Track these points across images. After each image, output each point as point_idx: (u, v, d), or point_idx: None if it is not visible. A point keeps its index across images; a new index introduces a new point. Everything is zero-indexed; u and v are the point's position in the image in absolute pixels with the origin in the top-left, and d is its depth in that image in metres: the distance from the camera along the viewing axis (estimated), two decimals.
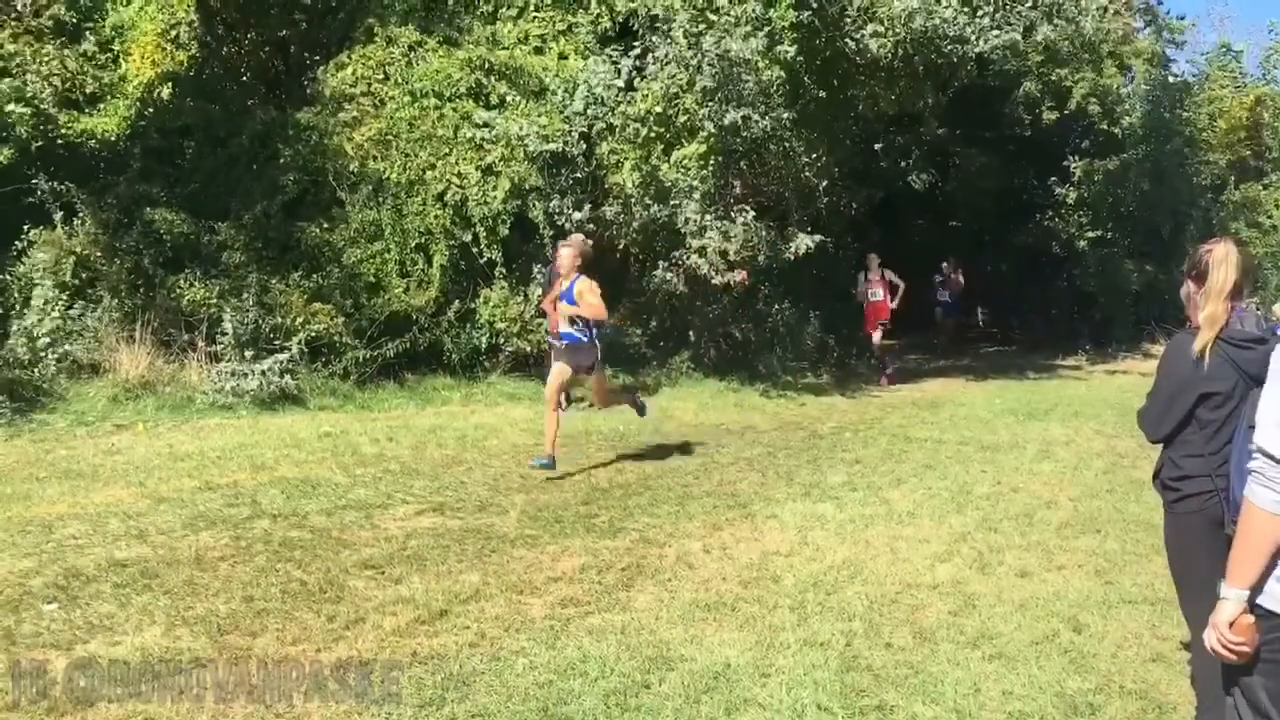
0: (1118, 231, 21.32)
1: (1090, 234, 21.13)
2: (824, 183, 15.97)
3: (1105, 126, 19.85)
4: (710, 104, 13.71)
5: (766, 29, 13.47)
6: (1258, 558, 2.61)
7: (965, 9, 13.75)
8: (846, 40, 13.64)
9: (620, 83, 14.35)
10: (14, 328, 11.92)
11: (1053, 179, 21.30)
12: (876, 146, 16.54)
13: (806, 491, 8.51)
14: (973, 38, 13.79)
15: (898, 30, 13.44)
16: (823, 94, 14.42)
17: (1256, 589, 2.65)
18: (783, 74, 13.61)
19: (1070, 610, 5.66)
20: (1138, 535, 6.98)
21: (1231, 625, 2.65)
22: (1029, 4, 14.20)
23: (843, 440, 11.01)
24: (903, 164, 18.57)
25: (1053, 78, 17.26)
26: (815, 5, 13.42)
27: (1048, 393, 14.69)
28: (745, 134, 14.02)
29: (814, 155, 15.31)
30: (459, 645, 5.14)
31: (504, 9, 15.39)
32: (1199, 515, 3.62)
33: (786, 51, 13.41)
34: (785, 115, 14.07)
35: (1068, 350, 19.84)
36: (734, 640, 5.21)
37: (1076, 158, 20.91)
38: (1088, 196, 21.05)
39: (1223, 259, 3.72)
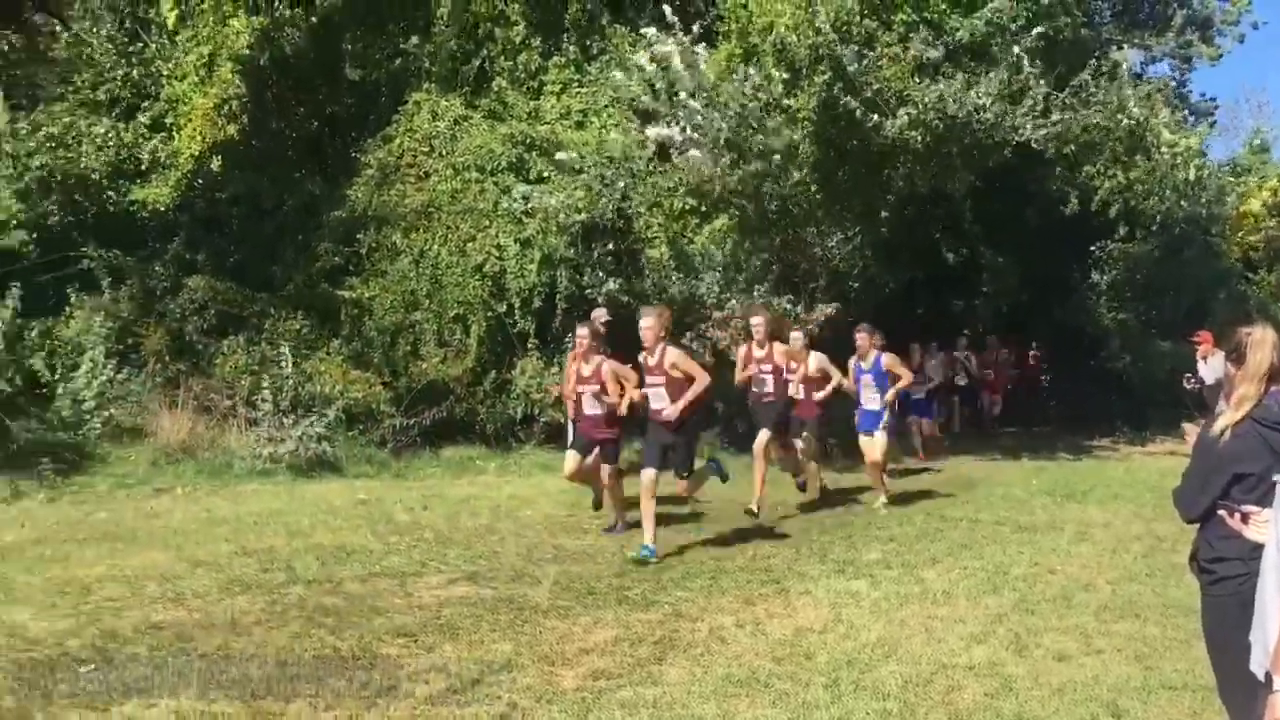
0: (1146, 312, 21.30)
1: (1120, 315, 21.09)
2: (857, 265, 15.99)
3: (1128, 229, 19.82)
4: (730, 156, 13.72)
5: (786, 115, 13.62)
6: None
7: (1003, 98, 13.75)
8: (877, 124, 13.69)
9: (649, 153, 14.55)
10: (60, 390, 12.16)
11: (1087, 259, 21.31)
12: (883, 213, 16.33)
13: (840, 568, 8.45)
14: (1009, 126, 13.78)
15: (929, 116, 13.48)
16: (857, 170, 14.49)
17: None
18: (805, 141, 13.65)
19: (1109, 695, 5.57)
20: (1178, 620, 6.87)
21: None
22: (1067, 92, 14.23)
23: (877, 518, 10.93)
24: (935, 237, 18.64)
25: (1081, 175, 17.23)
26: (841, 87, 13.49)
27: (1084, 474, 14.52)
28: (770, 194, 14.05)
29: (847, 233, 15.39)
30: (491, 715, 5.14)
31: (549, 85, 15.75)
32: (1234, 598, 3.58)
33: (806, 126, 13.50)
34: (810, 179, 14.08)
35: (1103, 431, 19.63)
36: (766, 717, 5.17)
37: (1105, 241, 20.93)
38: (1116, 277, 21.05)
39: (1260, 341, 3.74)
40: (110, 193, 14.61)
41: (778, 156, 13.56)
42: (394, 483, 12.23)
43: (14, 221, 13.73)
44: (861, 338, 11.46)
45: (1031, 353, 20.62)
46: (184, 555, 8.38)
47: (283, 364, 13.20)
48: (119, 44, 15.98)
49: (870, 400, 11.51)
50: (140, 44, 16.28)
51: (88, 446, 11.92)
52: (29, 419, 11.79)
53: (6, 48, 15.17)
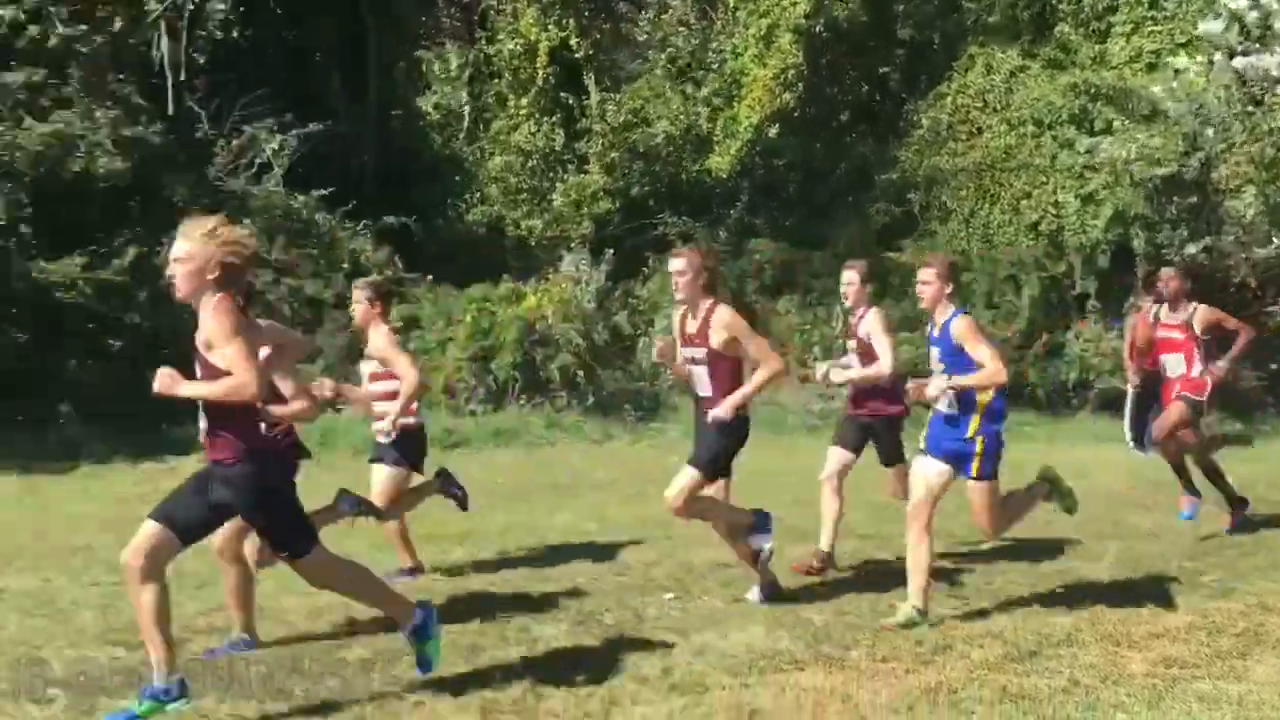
0: None
1: None
2: None
3: None
4: None
5: None
6: None
7: None
8: None
9: (1243, 95, 12.98)
10: (640, 345, 13.58)
11: None
12: None
13: None
14: None
15: None
16: None
17: None
18: None
19: None
20: None
21: None
22: None
23: None
24: None
25: None
26: None
27: None
28: None
29: None
30: (1051, 689, 4.98)
31: (1117, 26, 14.66)
32: None
33: None
34: None
35: None
36: None
37: None
38: None
39: None
40: (682, 163, 15.97)
41: None
42: None
43: (601, 193, 15.49)
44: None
45: None
46: (748, 502, 8.96)
47: (834, 323, 13.66)
48: (688, 23, 17.36)
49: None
50: (705, 22, 17.53)
51: (662, 396, 13.21)
52: (615, 370, 13.30)
53: (599, 35, 17.00)
